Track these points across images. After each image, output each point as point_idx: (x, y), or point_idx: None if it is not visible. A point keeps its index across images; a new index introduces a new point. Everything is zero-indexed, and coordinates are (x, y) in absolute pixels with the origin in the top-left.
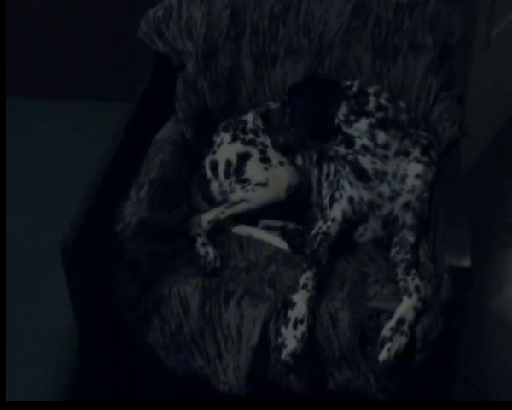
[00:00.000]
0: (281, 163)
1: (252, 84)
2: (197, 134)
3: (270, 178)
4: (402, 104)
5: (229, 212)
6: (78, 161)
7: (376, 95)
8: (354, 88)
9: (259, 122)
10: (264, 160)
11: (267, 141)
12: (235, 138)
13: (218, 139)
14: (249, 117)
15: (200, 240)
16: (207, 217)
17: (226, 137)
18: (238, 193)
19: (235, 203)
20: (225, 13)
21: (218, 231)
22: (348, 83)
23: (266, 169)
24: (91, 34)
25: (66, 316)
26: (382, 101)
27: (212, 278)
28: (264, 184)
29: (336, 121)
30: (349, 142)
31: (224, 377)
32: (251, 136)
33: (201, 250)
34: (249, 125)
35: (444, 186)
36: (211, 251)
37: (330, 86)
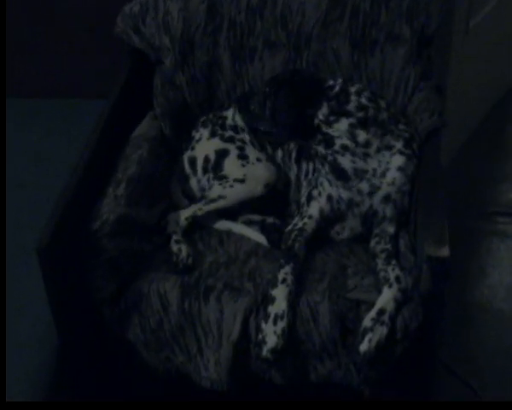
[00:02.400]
0: (258, 160)
1: (230, 79)
2: (175, 130)
3: (247, 174)
4: (382, 103)
5: (206, 209)
6: (55, 159)
7: (358, 94)
8: (336, 88)
9: (238, 118)
10: (242, 156)
11: (246, 138)
12: (213, 134)
13: (196, 135)
14: (229, 113)
15: (174, 237)
16: (185, 214)
17: (205, 132)
18: (216, 190)
19: (212, 200)
20: (202, 7)
21: (199, 226)
22: (331, 82)
23: (244, 166)
24: (67, 31)
25: (45, 315)
26: (363, 100)
27: (184, 275)
28: (242, 181)
29: (316, 121)
30: (328, 142)
31: (205, 373)
32: (230, 132)
33: (174, 247)
34: (228, 122)
35: (423, 177)
36: (184, 249)
37: (312, 86)
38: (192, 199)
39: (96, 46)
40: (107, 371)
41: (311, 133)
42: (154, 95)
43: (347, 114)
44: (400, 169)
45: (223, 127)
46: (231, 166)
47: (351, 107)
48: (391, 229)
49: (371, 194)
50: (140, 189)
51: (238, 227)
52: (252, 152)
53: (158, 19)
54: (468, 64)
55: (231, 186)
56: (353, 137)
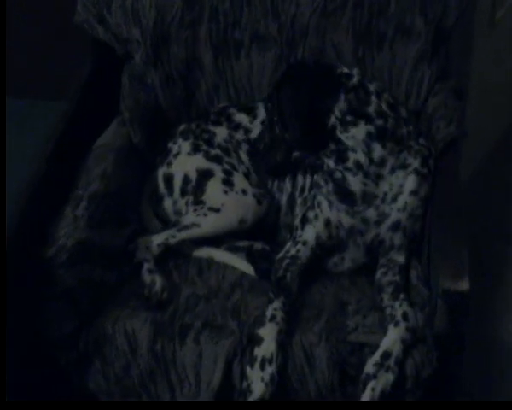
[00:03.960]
0: (244, 192)
1: (212, 79)
2: (148, 139)
3: (225, 204)
4: (403, 113)
5: (180, 236)
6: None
7: (378, 95)
8: (354, 78)
9: (234, 144)
10: (227, 182)
11: (239, 165)
12: (196, 150)
13: (174, 148)
14: (219, 130)
15: (146, 266)
16: (157, 240)
17: (185, 146)
18: (190, 216)
19: (186, 227)
20: None
21: (174, 253)
22: (345, 69)
23: (226, 193)
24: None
25: None
26: (383, 105)
27: (156, 311)
28: (217, 210)
29: (332, 121)
30: (341, 155)
31: None
32: (217, 151)
33: (147, 278)
34: (218, 140)
35: (438, 196)
36: (158, 280)
37: (322, 71)
38: (166, 222)
39: (52, 38)
40: None
41: (324, 140)
42: (122, 96)
43: (367, 118)
44: (413, 193)
45: (209, 143)
46: (213, 191)
47: (371, 109)
48: (400, 258)
49: (379, 222)
50: (104, 208)
51: (220, 254)
52: (240, 181)
53: (126, 6)
54: (493, 63)
55: (205, 215)
56: (369, 152)
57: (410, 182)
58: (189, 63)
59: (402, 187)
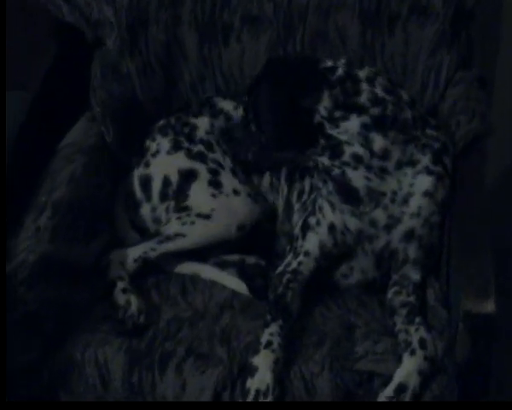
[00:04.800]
0: (236, 192)
1: (197, 67)
2: (122, 137)
3: (216, 209)
4: (405, 95)
5: (161, 249)
6: None
7: (370, 81)
8: (339, 71)
9: (216, 134)
10: (215, 184)
11: (224, 160)
12: (177, 147)
13: (152, 146)
14: (201, 122)
15: (120, 285)
16: (133, 254)
17: (164, 143)
18: (173, 225)
19: (168, 238)
20: None
21: (154, 268)
22: (329, 63)
23: (214, 196)
24: None
25: None
26: (378, 91)
27: (133, 336)
28: (208, 217)
29: (317, 119)
30: (335, 149)
31: None
32: (200, 147)
33: (120, 299)
34: (200, 133)
35: (460, 203)
36: (133, 301)
37: (305, 67)
38: (143, 232)
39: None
40: None
41: (311, 137)
42: (92, 88)
43: (359, 110)
44: (427, 194)
45: (190, 139)
46: (198, 194)
47: (363, 99)
48: (415, 275)
49: (389, 228)
50: (71, 218)
51: (207, 271)
52: (229, 180)
53: None
54: None
55: (192, 223)
56: (368, 144)
57: (423, 182)
58: (170, 49)
59: (412, 187)
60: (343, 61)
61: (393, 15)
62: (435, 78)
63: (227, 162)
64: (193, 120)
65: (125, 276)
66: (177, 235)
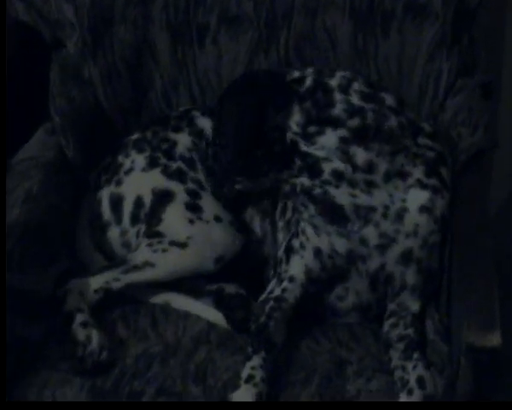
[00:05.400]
0: (217, 219)
1: (169, 72)
2: (84, 151)
3: (194, 237)
4: (389, 99)
5: (126, 280)
6: None
7: (343, 89)
8: (308, 81)
9: (199, 153)
10: (193, 207)
11: (208, 182)
12: (153, 164)
13: (126, 162)
14: (182, 138)
15: (79, 318)
16: (95, 283)
17: (139, 160)
18: (142, 252)
19: (135, 268)
20: None
21: (119, 297)
22: (297, 73)
23: (192, 222)
24: None
25: None
26: (354, 99)
27: (95, 376)
28: (182, 245)
29: (289, 136)
30: (313, 168)
31: None
32: (180, 164)
33: (80, 334)
34: (180, 149)
35: (461, 225)
36: (94, 336)
37: (270, 81)
38: (111, 257)
39: None
40: None
41: (285, 158)
42: (51, 96)
43: (334, 123)
44: (424, 210)
45: (168, 155)
46: (173, 218)
47: (337, 111)
48: (414, 304)
49: (383, 248)
50: (27, 242)
51: (181, 300)
52: (210, 205)
53: None
54: None
55: (164, 251)
56: (348, 158)
57: (416, 196)
58: (138, 52)
59: (405, 202)
60: (310, 70)
61: (388, 15)
62: (434, 85)
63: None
64: (172, 136)
65: (85, 308)
66: (146, 264)
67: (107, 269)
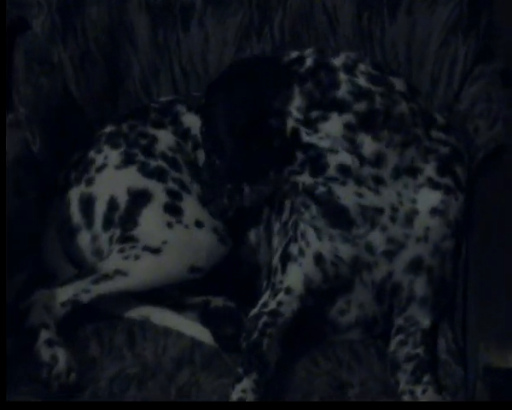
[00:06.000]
0: (198, 224)
1: (149, 58)
2: (52, 146)
3: (169, 242)
4: (398, 84)
5: (96, 291)
6: None
7: (348, 69)
8: (308, 61)
9: (184, 154)
10: (173, 209)
11: (191, 182)
12: (129, 161)
13: (98, 158)
14: (164, 135)
15: (44, 335)
16: (62, 295)
17: (113, 156)
18: (114, 259)
19: (106, 277)
20: None
21: (91, 310)
22: (295, 54)
23: (170, 226)
24: None
25: None
26: (361, 80)
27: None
28: (156, 251)
29: (290, 124)
30: (317, 162)
31: None
32: (160, 162)
33: (44, 354)
34: (161, 147)
35: (478, 229)
36: (61, 356)
37: (265, 65)
38: (81, 265)
39: None
40: None
41: (285, 152)
42: (15, 84)
43: (339, 106)
44: (436, 213)
45: (147, 152)
46: (149, 221)
47: (342, 92)
48: (424, 319)
49: (390, 254)
50: None
51: (161, 314)
52: (192, 208)
53: None
54: None
55: (137, 257)
56: (355, 149)
57: (428, 197)
58: (114, 35)
59: (415, 203)
60: (310, 49)
61: None
62: (448, 72)
63: (194, 185)
64: (152, 131)
65: (51, 323)
66: (117, 273)
67: (75, 279)
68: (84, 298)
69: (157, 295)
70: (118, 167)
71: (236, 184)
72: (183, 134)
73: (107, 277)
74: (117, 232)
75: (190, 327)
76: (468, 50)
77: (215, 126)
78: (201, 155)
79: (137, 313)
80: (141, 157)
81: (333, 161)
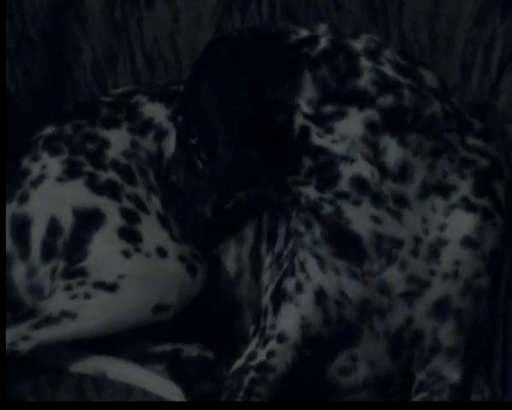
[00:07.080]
0: (161, 252)
1: (103, 41)
2: None
3: (127, 276)
4: (429, 77)
5: (38, 338)
6: None
7: (372, 54)
8: (322, 42)
9: (140, 159)
10: (130, 235)
11: (150, 199)
12: (73, 172)
13: (33, 169)
14: (116, 136)
15: None
16: None
17: (53, 165)
18: (59, 298)
19: (50, 320)
20: None
21: (31, 364)
22: (304, 32)
23: (127, 255)
24: None
25: None
26: (387, 69)
27: None
28: (112, 288)
29: (298, 121)
30: (326, 172)
31: None
32: (112, 174)
33: None
34: (112, 152)
35: None
36: None
37: (268, 44)
38: (15, 307)
39: None
40: None
41: (291, 156)
42: None
43: (359, 100)
44: (469, 243)
45: (96, 160)
46: (101, 250)
47: (363, 82)
48: (453, 373)
49: (410, 296)
50: None
51: (121, 368)
52: (153, 232)
53: None
54: None
55: (87, 296)
56: (376, 156)
57: (462, 223)
58: (59, 14)
59: (445, 230)
60: (324, 26)
61: None
62: (483, 59)
63: (154, 203)
64: (102, 133)
65: None
66: (64, 315)
67: (11, 323)
68: (23, 347)
69: (114, 342)
70: (59, 180)
71: (224, 193)
72: (141, 127)
73: (51, 320)
74: (61, 264)
75: (157, 384)
76: (507, 31)
77: (200, 122)
78: (167, 145)
79: (89, 365)
80: (88, 167)
81: (347, 171)
